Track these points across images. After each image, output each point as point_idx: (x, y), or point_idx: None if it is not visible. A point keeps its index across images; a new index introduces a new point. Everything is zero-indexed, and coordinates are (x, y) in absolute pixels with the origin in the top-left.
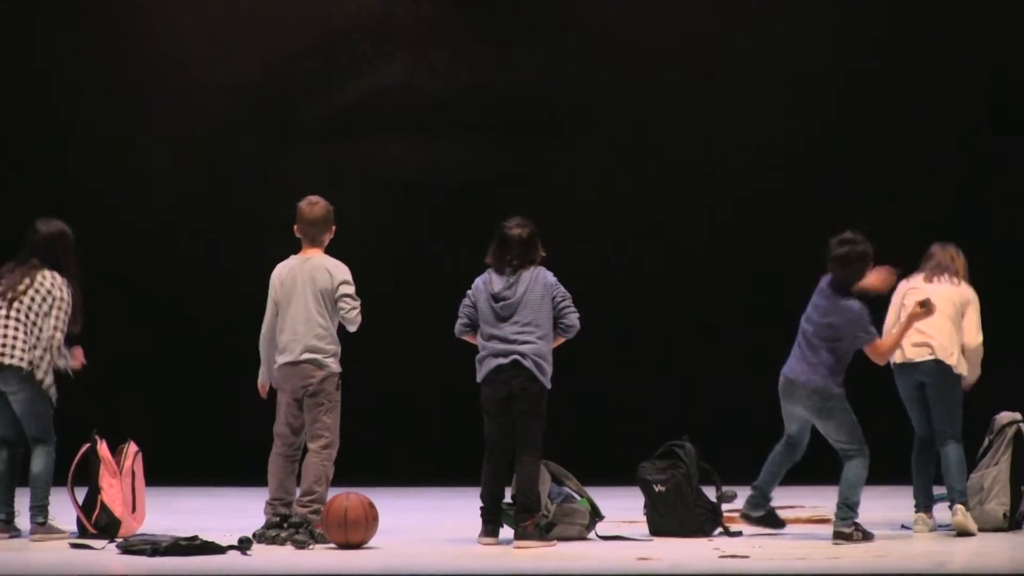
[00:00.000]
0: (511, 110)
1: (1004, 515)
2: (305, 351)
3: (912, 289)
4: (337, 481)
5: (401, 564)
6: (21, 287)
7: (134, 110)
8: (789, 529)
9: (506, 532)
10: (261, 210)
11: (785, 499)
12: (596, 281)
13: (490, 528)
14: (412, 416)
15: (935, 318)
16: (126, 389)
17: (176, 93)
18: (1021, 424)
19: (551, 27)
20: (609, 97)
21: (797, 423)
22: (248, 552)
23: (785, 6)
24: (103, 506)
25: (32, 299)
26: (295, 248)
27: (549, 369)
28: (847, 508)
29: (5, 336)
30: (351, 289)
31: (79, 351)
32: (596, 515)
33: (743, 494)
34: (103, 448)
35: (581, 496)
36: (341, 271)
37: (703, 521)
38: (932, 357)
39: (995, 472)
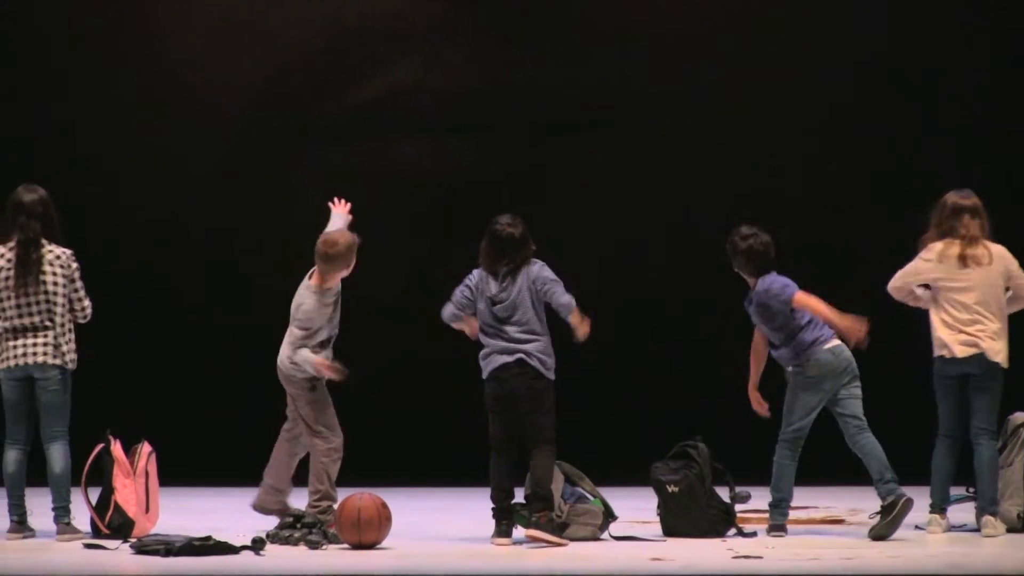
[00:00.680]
0: (525, 110)
1: (1019, 516)
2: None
3: (943, 285)
4: (350, 481)
5: (414, 564)
6: (33, 273)
7: (148, 109)
8: (802, 529)
9: (519, 533)
10: (275, 210)
11: (797, 500)
12: (609, 280)
13: (503, 528)
14: (426, 416)
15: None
16: (139, 389)
17: (190, 93)
18: None
19: (565, 27)
20: (623, 96)
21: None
22: (261, 552)
23: (801, 4)
24: (116, 506)
25: (54, 282)
26: (309, 248)
27: (552, 363)
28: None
29: (41, 332)
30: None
31: None
32: (609, 515)
33: (756, 495)
34: (117, 448)
35: (594, 497)
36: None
37: (716, 522)
38: (979, 352)
39: (1009, 473)
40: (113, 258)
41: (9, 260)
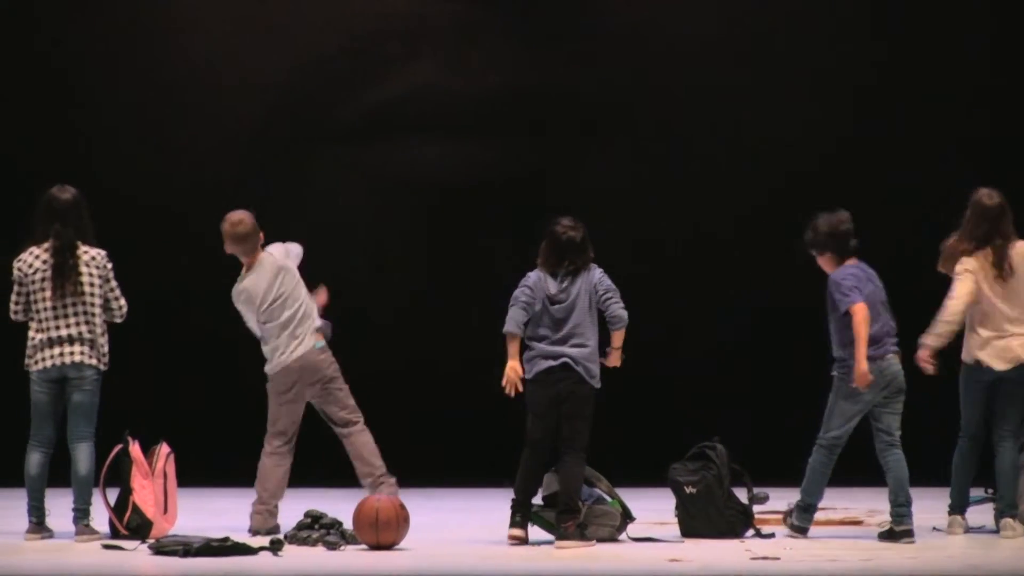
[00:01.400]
0: (542, 111)
1: None
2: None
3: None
4: None
5: (432, 565)
6: (70, 280)
7: (163, 111)
8: (821, 531)
9: (535, 534)
10: (291, 211)
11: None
12: (627, 281)
13: (518, 520)
14: (444, 416)
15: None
16: (157, 390)
17: (205, 94)
18: None
19: (582, 28)
20: (641, 97)
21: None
22: (279, 553)
23: (817, 5)
24: (135, 507)
25: (90, 283)
26: (326, 248)
27: (597, 371)
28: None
29: (78, 333)
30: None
31: None
32: (627, 517)
33: (774, 496)
34: (135, 449)
35: (612, 498)
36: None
37: (734, 523)
38: (1020, 362)
39: None
40: (130, 258)
41: (45, 262)
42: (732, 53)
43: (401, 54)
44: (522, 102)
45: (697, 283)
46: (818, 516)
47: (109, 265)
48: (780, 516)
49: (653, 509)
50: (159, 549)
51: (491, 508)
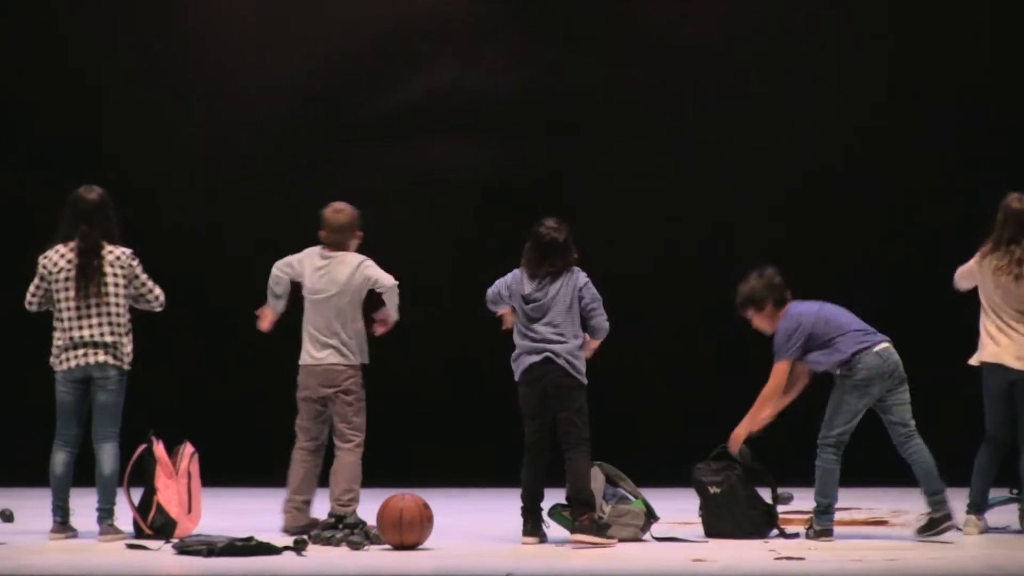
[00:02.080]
0: (563, 112)
1: None
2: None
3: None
4: (391, 482)
5: (456, 565)
6: (95, 282)
7: (185, 112)
8: (845, 531)
9: (556, 533)
10: (314, 212)
11: (840, 501)
12: (647, 282)
13: (529, 527)
14: (468, 415)
15: None
16: (182, 390)
17: (227, 95)
18: None
19: (603, 29)
20: (659, 99)
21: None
22: (303, 553)
23: (836, 5)
24: (159, 507)
25: (115, 284)
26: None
27: (582, 367)
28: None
29: (100, 335)
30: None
31: None
32: (651, 516)
33: (798, 496)
34: (159, 449)
35: (636, 497)
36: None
37: (758, 523)
38: None
39: None
40: (153, 260)
41: (70, 262)
42: (752, 54)
43: (421, 55)
44: (541, 103)
45: (715, 281)
46: (842, 516)
47: (134, 263)
48: (805, 518)
49: (677, 509)
50: (183, 549)
51: (515, 508)
